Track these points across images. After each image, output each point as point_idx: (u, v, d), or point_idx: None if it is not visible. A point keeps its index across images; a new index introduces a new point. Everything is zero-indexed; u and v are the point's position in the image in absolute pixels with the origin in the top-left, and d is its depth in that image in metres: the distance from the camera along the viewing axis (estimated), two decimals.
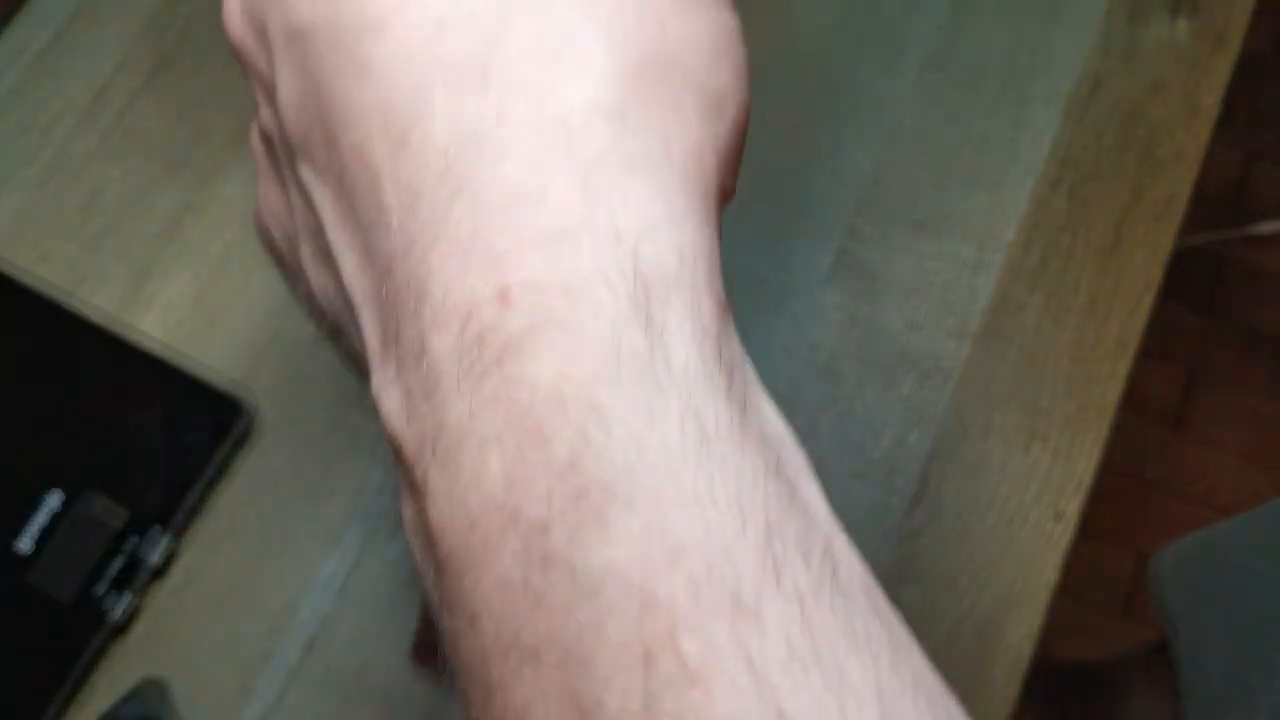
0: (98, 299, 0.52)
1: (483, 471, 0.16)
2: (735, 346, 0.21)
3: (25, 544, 0.47)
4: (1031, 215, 0.55)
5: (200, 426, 0.49)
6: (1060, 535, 0.50)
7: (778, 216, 0.56)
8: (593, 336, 0.17)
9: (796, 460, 0.21)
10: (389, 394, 0.19)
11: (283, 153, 0.22)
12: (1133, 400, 0.53)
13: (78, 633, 0.47)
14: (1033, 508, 0.50)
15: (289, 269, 0.25)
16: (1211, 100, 0.58)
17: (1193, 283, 1.41)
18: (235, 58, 0.23)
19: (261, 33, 0.22)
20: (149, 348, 0.51)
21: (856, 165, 0.57)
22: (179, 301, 0.53)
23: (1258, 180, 1.47)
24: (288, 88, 0.21)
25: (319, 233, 0.21)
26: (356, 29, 0.19)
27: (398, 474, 0.19)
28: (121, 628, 0.48)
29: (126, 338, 0.51)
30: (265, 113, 0.23)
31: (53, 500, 0.48)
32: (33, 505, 0.48)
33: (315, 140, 0.20)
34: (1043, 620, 0.49)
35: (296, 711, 0.47)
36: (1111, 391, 0.52)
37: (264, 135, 0.24)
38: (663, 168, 0.19)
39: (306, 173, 0.21)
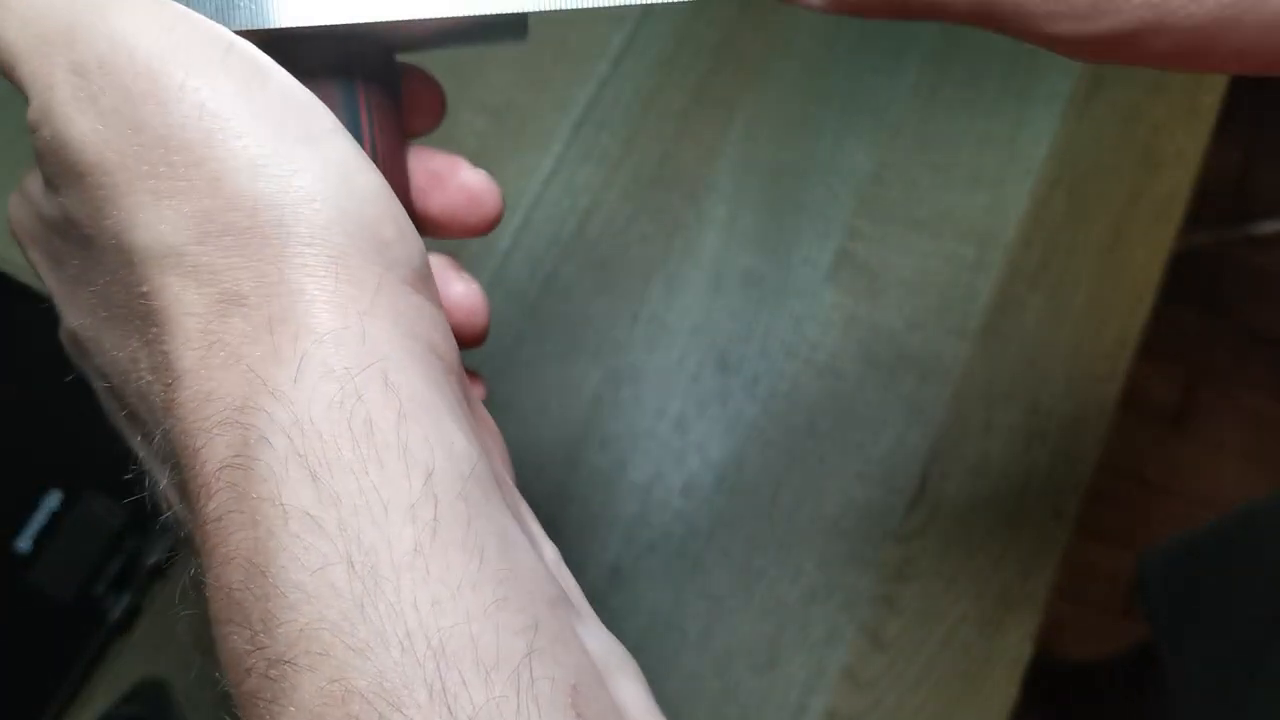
0: None
1: (222, 654, 0.20)
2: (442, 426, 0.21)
3: (25, 544, 0.47)
4: (1031, 215, 0.55)
5: None
6: (1060, 535, 0.50)
7: (778, 216, 0.56)
8: (265, 502, 0.19)
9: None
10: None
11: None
12: (1133, 400, 0.53)
13: (78, 633, 0.47)
14: (1033, 507, 0.50)
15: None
16: (1212, 99, 0.58)
17: (1193, 283, 1.41)
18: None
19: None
20: None
21: (856, 165, 0.57)
22: None
23: (1258, 180, 1.47)
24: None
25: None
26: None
27: None
28: (121, 628, 0.48)
29: None
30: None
31: (52, 500, 0.48)
32: (32, 505, 0.48)
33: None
34: (1042, 620, 0.49)
35: None
36: (1111, 391, 0.52)
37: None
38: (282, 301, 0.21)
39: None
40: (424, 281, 0.23)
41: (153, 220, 0.21)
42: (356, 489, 0.19)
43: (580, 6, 0.25)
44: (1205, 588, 0.67)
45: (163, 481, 0.23)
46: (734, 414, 0.52)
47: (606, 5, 0.25)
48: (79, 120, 0.21)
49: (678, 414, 0.52)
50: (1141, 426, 1.34)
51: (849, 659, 0.48)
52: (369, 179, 0.22)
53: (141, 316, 0.22)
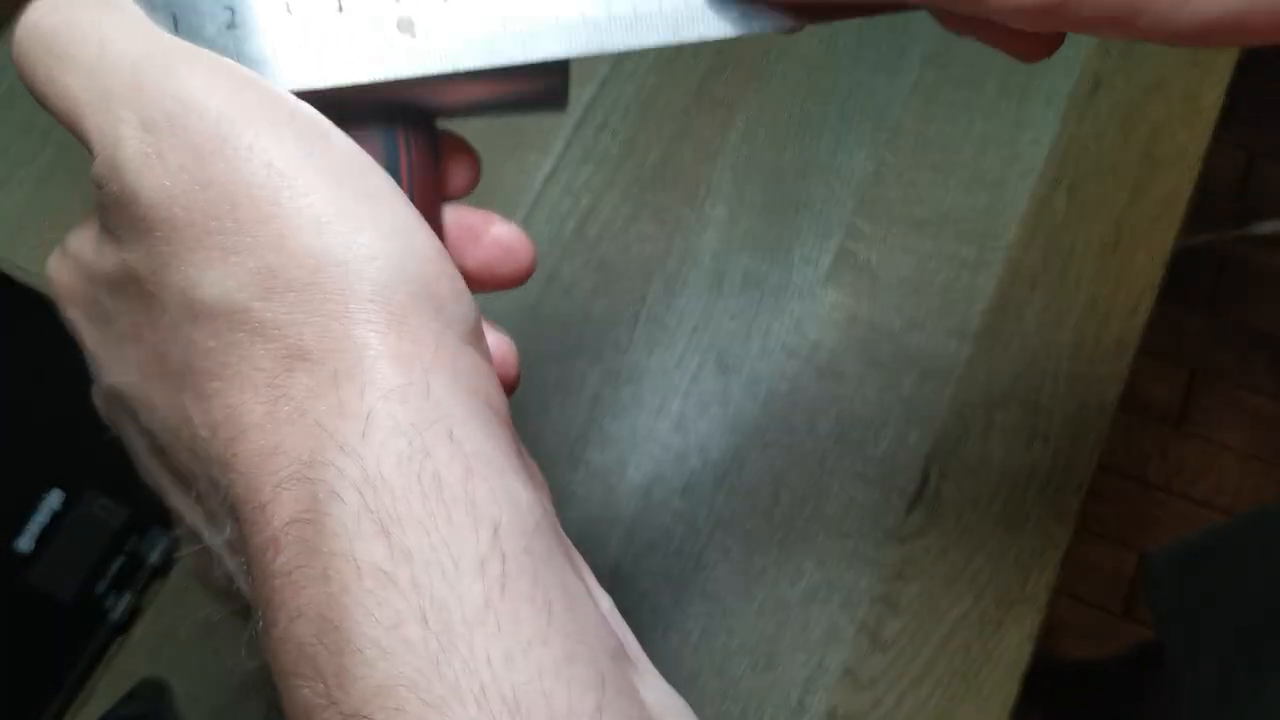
0: None
1: (291, 707, 0.20)
2: (498, 480, 0.21)
3: (25, 544, 0.47)
4: (1032, 215, 0.55)
5: None
6: (1060, 535, 0.50)
7: (778, 216, 0.56)
8: (338, 558, 0.19)
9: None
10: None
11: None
12: (1133, 400, 0.53)
13: (78, 633, 0.47)
14: (1033, 507, 0.50)
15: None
16: (1213, 99, 0.58)
17: (1193, 282, 1.41)
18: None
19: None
20: None
21: (856, 165, 0.57)
22: None
23: (1259, 179, 1.47)
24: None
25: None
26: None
27: None
28: (121, 627, 0.48)
29: None
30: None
31: (53, 500, 0.48)
32: (33, 505, 0.48)
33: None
34: (1043, 620, 0.49)
35: None
36: (1112, 391, 0.52)
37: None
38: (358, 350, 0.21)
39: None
40: (477, 338, 0.23)
41: (219, 277, 0.21)
42: (428, 544, 0.19)
43: (617, 49, 0.25)
44: (1211, 588, 0.67)
45: (220, 537, 0.23)
46: (734, 414, 0.52)
47: (638, 47, 0.25)
48: (147, 176, 0.21)
49: (678, 414, 0.52)
50: (1142, 426, 1.34)
51: (849, 659, 0.48)
52: (426, 238, 0.23)
53: (200, 372, 0.22)
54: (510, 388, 0.28)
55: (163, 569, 0.49)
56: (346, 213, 0.21)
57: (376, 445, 0.20)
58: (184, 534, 0.26)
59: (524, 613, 0.19)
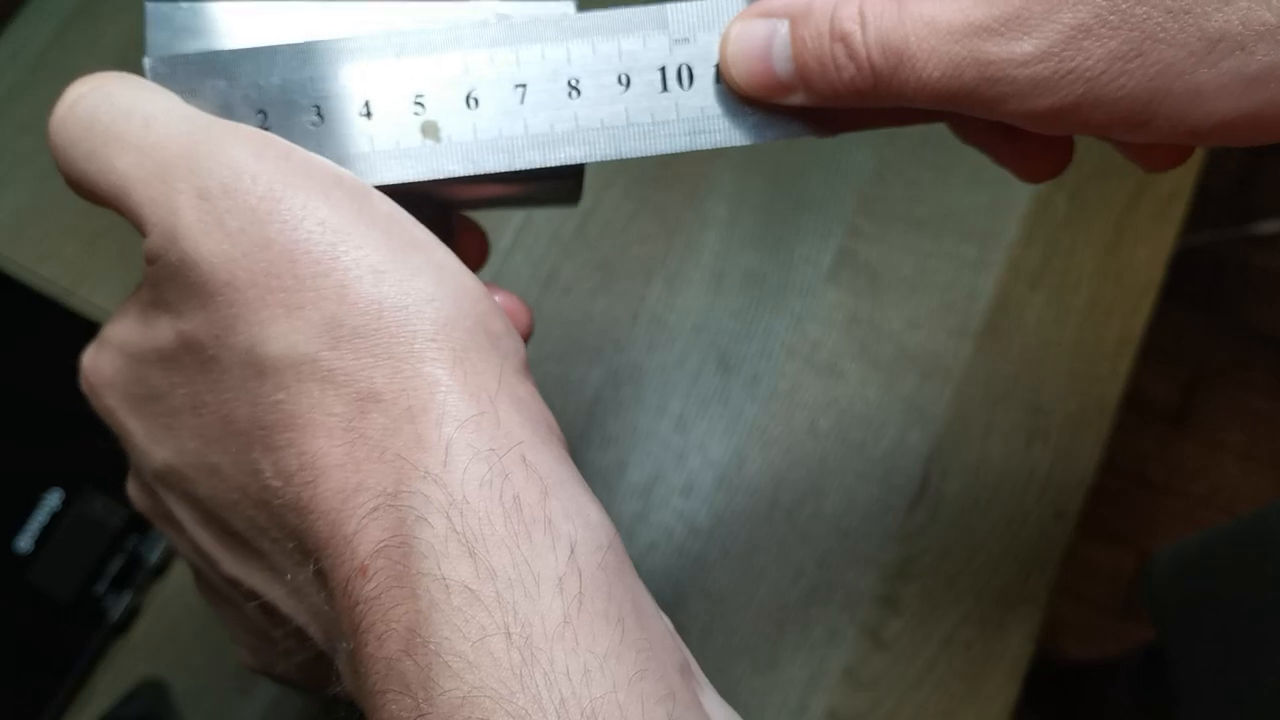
0: (98, 298, 0.52)
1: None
2: (561, 506, 0.22)
3: (25, 543, 0.47)
4: (1033, 214, 0.55)
5: None
6: (1060, 535, 0.50)
7: (779, 215, 0.56)
8: (426, 577, 0.20)
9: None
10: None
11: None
12: (1133, 400, 0.53)
13: (78, 632, 0.47)
14: (1033, 507, 0.50)
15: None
16: None
17: (1194, 282, 1.41)
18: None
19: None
20: None
21: (858, 163, 0.57)
22: None
23: (1260, 179, 1.47)
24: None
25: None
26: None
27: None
28: (121, 627, 0.48)
29: None
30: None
31: (53, 499, 0.48)
32: (33, 505, 0.48)
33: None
34: (1043, 620, 0.49)
35: (296, 711, 0.47)
36: (1112, 391, 0.52)
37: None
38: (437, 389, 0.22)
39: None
40: (526, 370, 0.25)
41: (286, 331, 0.22)
42: (510, 563, 0.20)
43: (632, 155, 0.26)
44: (1211, 588, 0.67)
45: (281, 588, 0.24)
46: (734, 413, 0.52)
47: (655, 153, 0.26)
48: (206, 241, 0.23)
49: (678, 413, 0.52)
50: (1142, 426, 1.34)
51: (849, 659, 0.48)
52: (472, 280, 0.24)
53: (270, 426, 0.23)
54: (525, 336, 0.30)
55: (162, 569, 0.49)
56: (399, 261, 0.23)
57: (459, 471, 0.21)
58: (236, 633, 0.27)
59: (599, 628, 0.20)
